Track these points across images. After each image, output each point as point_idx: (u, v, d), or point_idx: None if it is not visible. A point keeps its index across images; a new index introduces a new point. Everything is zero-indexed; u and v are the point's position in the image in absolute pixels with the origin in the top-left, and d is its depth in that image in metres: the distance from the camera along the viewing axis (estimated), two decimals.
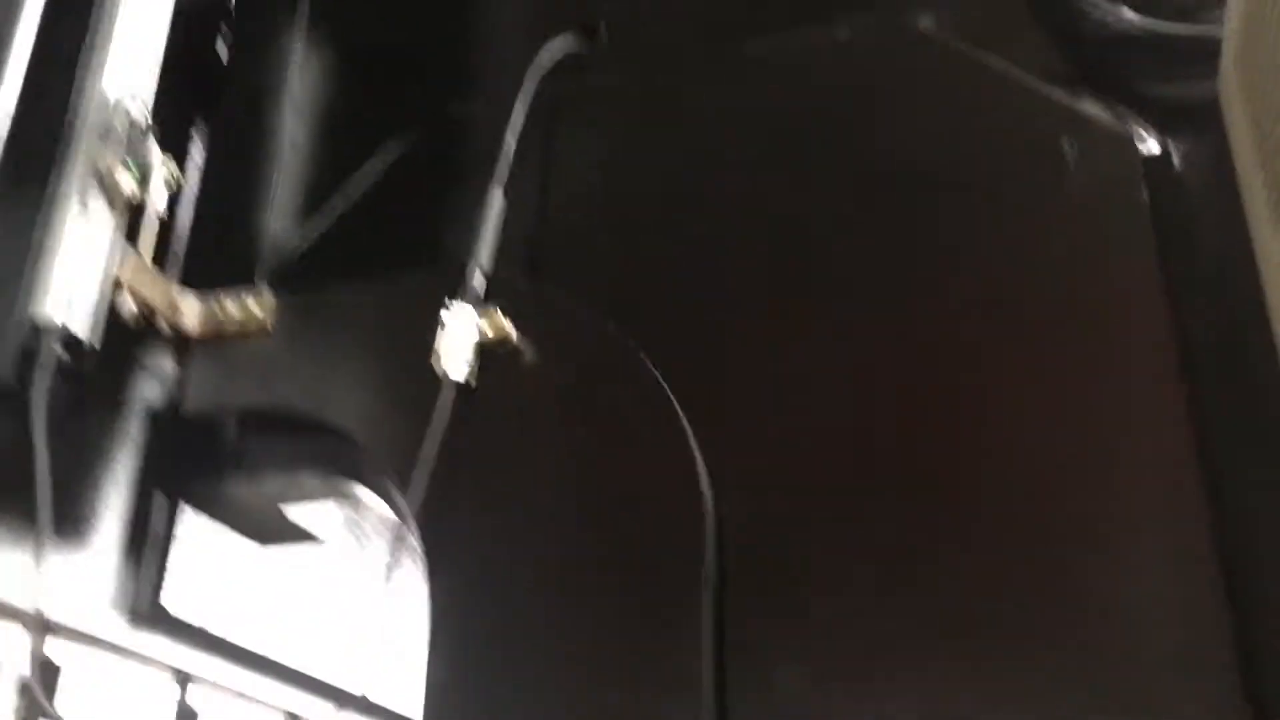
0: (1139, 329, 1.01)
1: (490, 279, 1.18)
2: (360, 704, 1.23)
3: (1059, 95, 1.10)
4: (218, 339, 1.26)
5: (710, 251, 1.17)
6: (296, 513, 1.36)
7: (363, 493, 1.25)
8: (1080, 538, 0.95)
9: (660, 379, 1.10)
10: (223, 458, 1.26)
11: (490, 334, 1.15)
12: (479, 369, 1.14)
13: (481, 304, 1.16)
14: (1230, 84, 0.99)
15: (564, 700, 1.03)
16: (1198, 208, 1.02)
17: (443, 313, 1.15)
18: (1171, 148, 1.05)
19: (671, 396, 1.09)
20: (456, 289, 1.17)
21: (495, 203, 1.22)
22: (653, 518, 1.08)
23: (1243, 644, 0.86)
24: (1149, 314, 1.00)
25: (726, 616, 0.99)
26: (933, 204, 1.11)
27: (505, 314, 1.16)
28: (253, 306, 1.26)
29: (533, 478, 1.13)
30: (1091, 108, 1.10)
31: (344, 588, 1.65)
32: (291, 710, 1.48)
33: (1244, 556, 0.90)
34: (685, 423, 1.08)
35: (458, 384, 1.13)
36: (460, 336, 1.14)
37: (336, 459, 1.23)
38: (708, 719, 0.95)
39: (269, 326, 1.25)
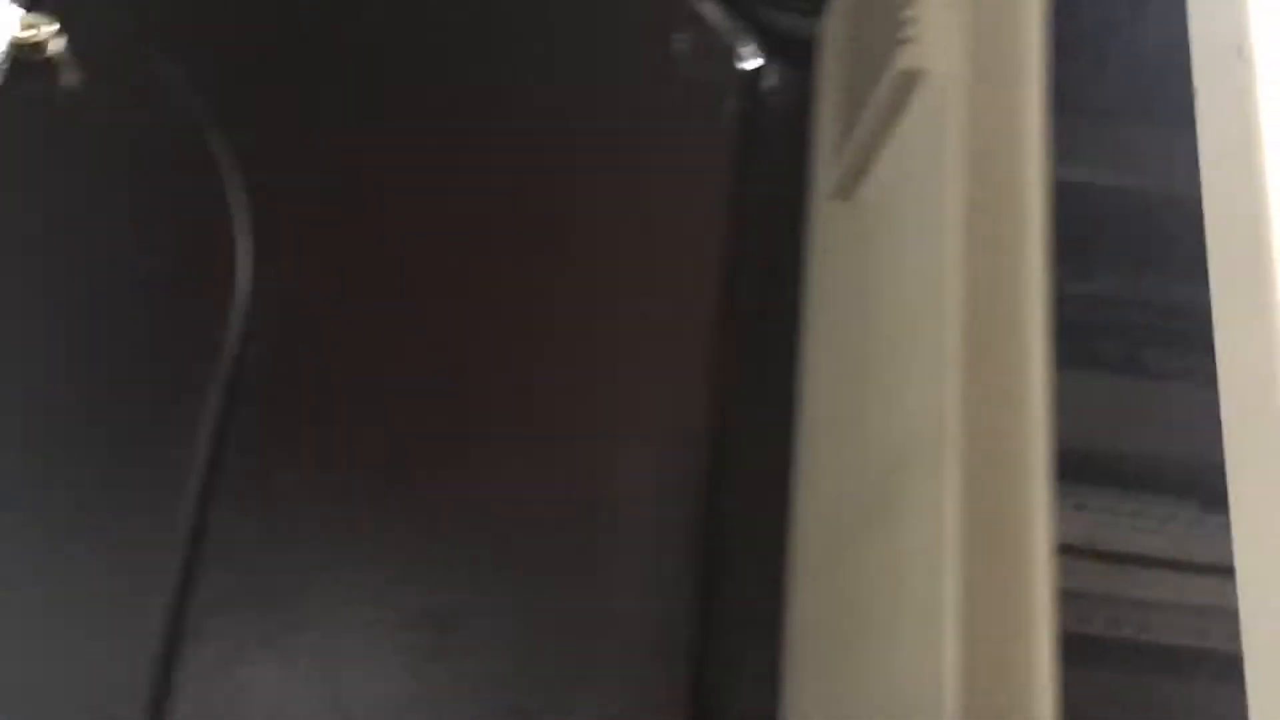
0: (693, 235, 1.07)
1: None
2: None
3: None
4: None
5: (312, 50, 1.08)
6: None
7: None
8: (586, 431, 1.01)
9: (216, 157, 1.00)
10: None
11: (27, 35, 0.99)
12: (10, 73, 0.99)
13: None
14: (828, 34, 1.06)
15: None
16: (778, 133, 1.09)
17: None
18: (770, 71, 1.12)
19: (223, 177, 1.01)
20: None
21: None
22: (172, 300, 1.00)
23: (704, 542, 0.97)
24: (707, 222, 1.07)
25: (234, 420, 0.95)
26: (540, 61, 1.10)
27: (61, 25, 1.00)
28: None
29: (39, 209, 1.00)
30: (708, 9, 1.13)
31: None
32: None
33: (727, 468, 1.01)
34: (231, 208, 1.01)
35: None
36: None
37: None
38: (185, 525, 0.91)
39: None
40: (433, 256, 1.06)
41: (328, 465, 0.98)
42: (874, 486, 0.79)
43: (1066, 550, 0.91)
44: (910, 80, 0.76)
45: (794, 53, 1.13)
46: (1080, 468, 0.91)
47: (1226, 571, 0.94)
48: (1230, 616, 0.93)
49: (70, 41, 1.01)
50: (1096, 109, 1.06)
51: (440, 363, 1.02)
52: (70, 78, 1.02)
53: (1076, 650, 0.91)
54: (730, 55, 1.13)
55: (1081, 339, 1.01)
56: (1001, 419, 0.69)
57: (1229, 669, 0.94)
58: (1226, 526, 0.95)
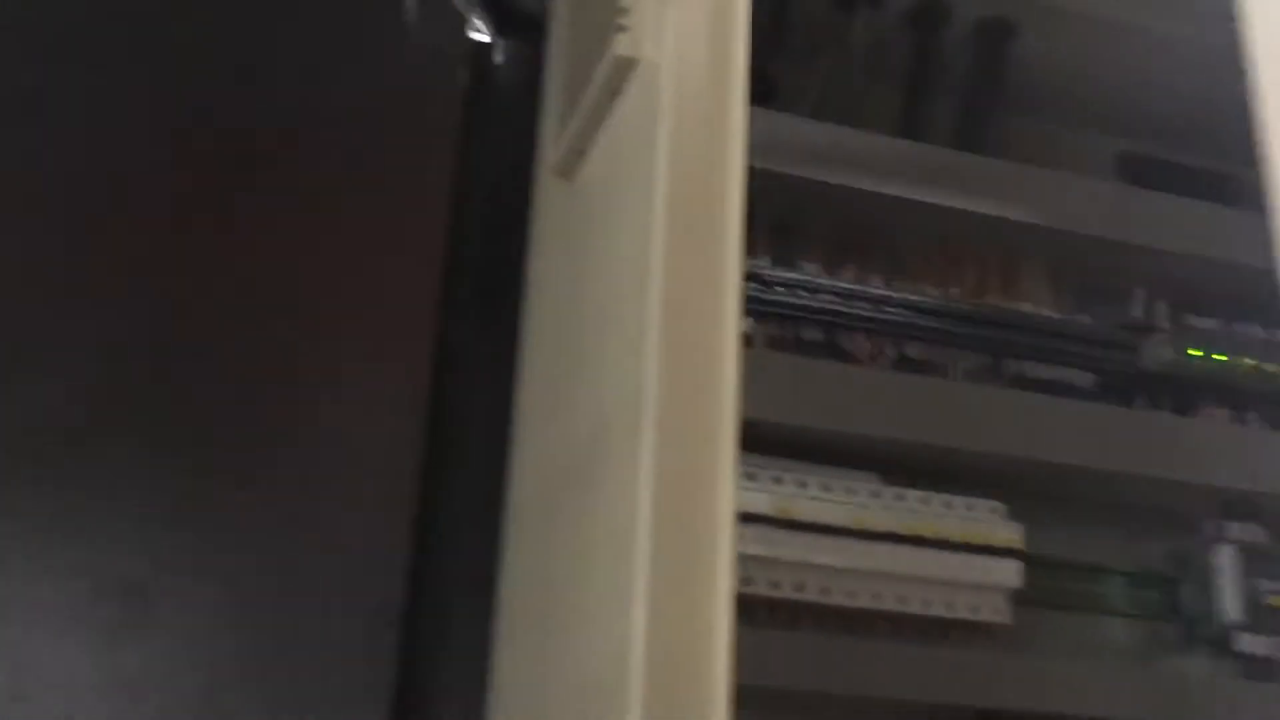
0: (420, 201, 1.08)
1: None
2: None
3: None
4: None
5: None
6: None
7: None
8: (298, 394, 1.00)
9: None
10: None
11: None
12: None
13: None
14: (557, 13, 1.08)
15: None
16: (509, 108, 1.10)
17: None
18: (502, 46, 1.13)
19: None
20: None
21: None
22: None
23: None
24: (434, 188, 1.07)
25: None
26: (267, 24, 1.07)
27: None
28: None
29: None
30: None
31: None
32: None
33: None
34: None
35: None
36: None
37: None
38: None
39: None
40: (139, 203, 1.02)
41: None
42: (576, 459, 0.82)
43: (758, 519, 0.97)
44: (624, 67, 0.79)
45: (527, 30, 1.14)
46: (773, 443, 0.97)
47: (900, 539, 1.03)
48: (901, 581, 1.01)
49: None
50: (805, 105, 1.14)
51: (138, 330, 0.98)
52: None
53: (762, 612, 0.98)
54: (462, 25, 1.13)
55: (784, 321, 1.08)
56: (696, 396, 0.73)
57: (901, 628, 1.03)
58: (903, 498, 1.04)
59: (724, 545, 0.71)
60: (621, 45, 0.79)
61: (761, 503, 0.98)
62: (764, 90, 1.22)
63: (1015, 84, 1.24)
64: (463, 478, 1.06)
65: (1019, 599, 1.10)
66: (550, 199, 1.03)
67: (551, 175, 1.01)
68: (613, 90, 0.82)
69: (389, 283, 1.07)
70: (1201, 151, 1.37)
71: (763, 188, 1.06)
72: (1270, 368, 1.15)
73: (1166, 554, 1.16)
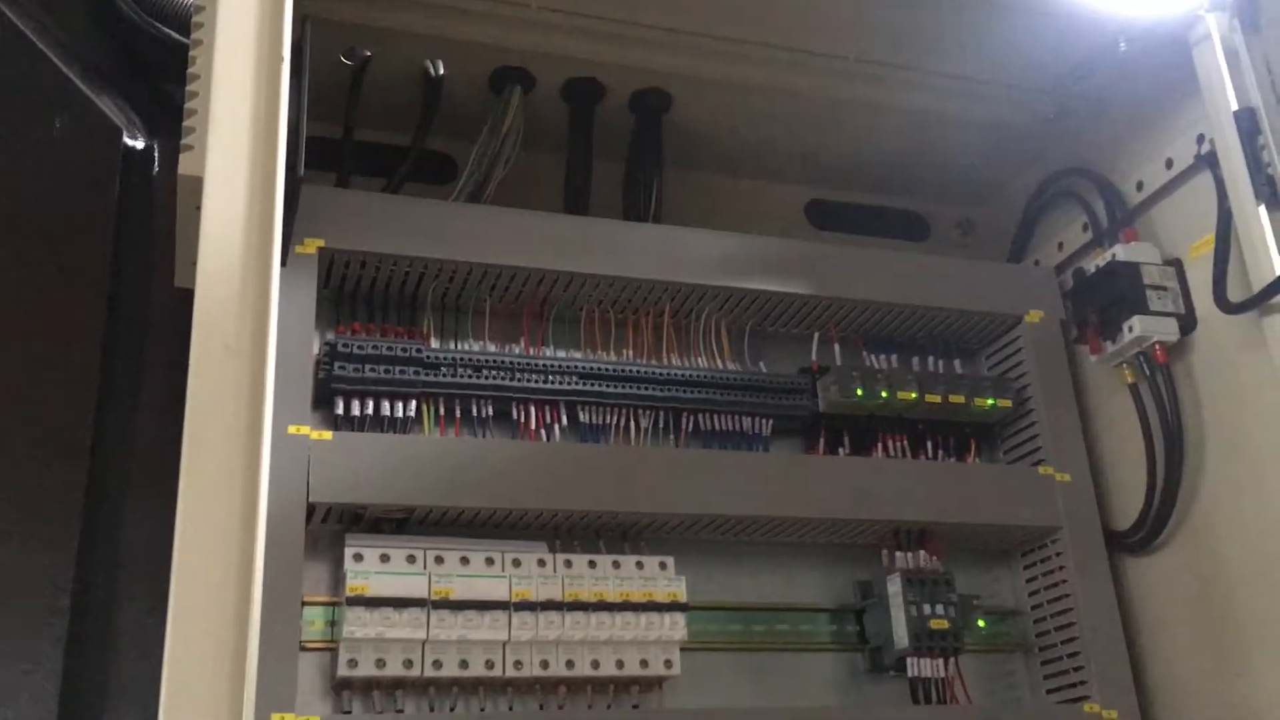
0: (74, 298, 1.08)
1: None
2: None
3: (73, 73, 1.13)
4: None
5: None
6: None
7: None
8: None
9: None
10: None
11: None
12: None
13: None
14: None
15: None
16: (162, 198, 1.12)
17: None
18: (157, 145, 1.14)
19: None
20: None
21: None
22: None
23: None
24: (89, 282, 1.08)
25: None
26: None
27: None
28: None
29: None
30: (96, 94, 1.14)
31: None
32: None
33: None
34: None
35: None
36: None
37: None
38: None
39: None
40: None
41: None
42: None
43: (416, 604, 0.99)
44: (193, 185, 0.81)
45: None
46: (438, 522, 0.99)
47: (563, 607, 1.04)
48: (568, 646, 1.03)
49: None
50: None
51: None
52: None
53: (433, 690, 1.00)
54: (117, 135, 1.14)
55: (453, 399, 1.11)
56: None
57: (577, 690, 1.05)
58: (570, 564, 1.06)
59: None
60: (185, 164, 0.81)
61: (419, 586, 1.00)
62: (443, 170, 1.27)
63: (697, 144, 1.30)
64: None
65: (722, 644, 1.15)
66: None
67: None
68: (196, 205, 0.84)
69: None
70: (888, 192, 1.45)
71: (430, 271, 1.10)
72: (933, 397, 1.21)
73: (855, 586, 1.21)
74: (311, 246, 1.06)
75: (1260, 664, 1.07)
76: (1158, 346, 1.15)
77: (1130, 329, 1.15)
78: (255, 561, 0.84)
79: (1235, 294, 1.09)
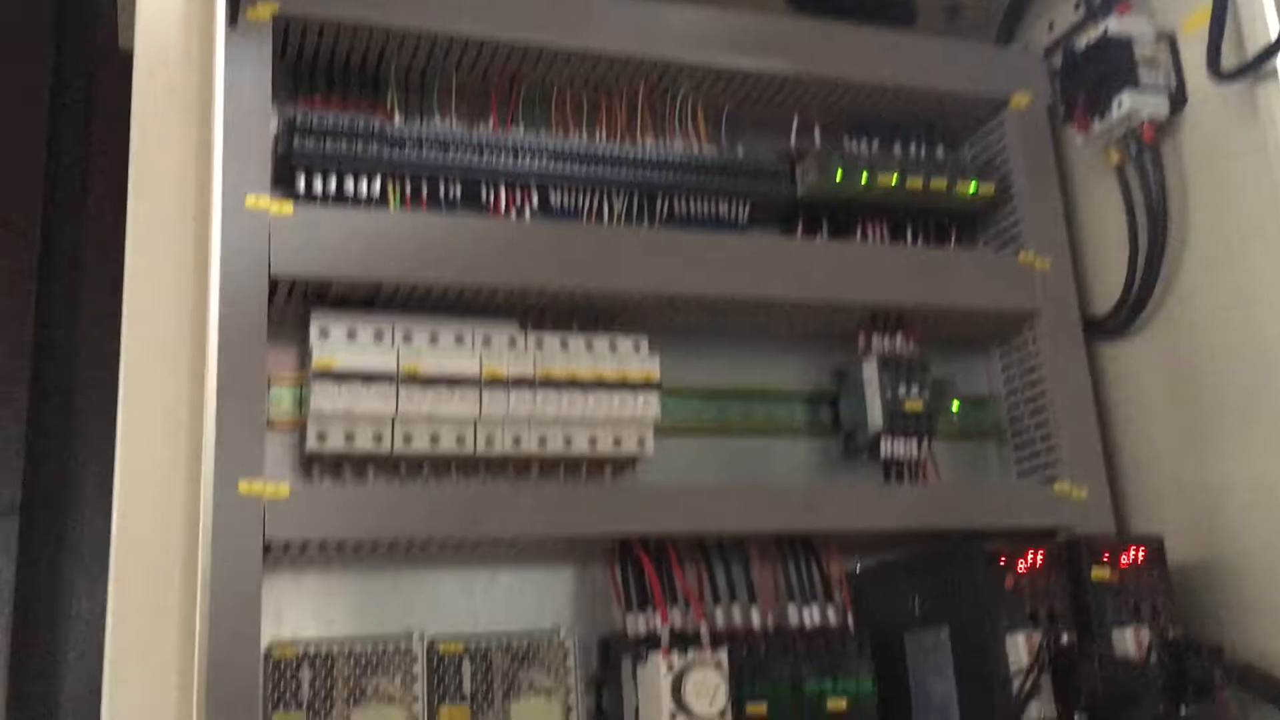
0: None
1: None
2: None
3: None
4: None
5: None
6: None
7: None
8: None
9: None
10: None
11: None
12: None
13: None
14: None
15: None
16: None
17: None
18: None
19: None
20: None
21: None
22: None
23: None
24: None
25: None
26: None
27: None
28: None
29: None
30: None
31: None
32: None
33: None
34: None
35: None
36: None
37: None
38: None
39: None
40: None
41: None
42: None
43: (383, 378, 0.98)
44: None
45: None
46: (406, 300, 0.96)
47: (534, 384, 1.04)
48: (540, 424, 1.03)
49: None
50: None
51: None
52: None
53: (403, 467, 0.99)
54: None
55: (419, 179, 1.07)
56: None
57: (551, 469, 1.05)
58: (541, 343, 1.04)
59: None
60: None
61: (387, 361, 0.98)
62: None
63: None
64: None
65: (696, 429, 1.15)
66: None
67: None
68: None
69: None
70: None
71: (393, 42, 1.05)
72: (914, 183, 1.18)
73: (831, 372, 1.20)
74: (265, 11, 1.00)
75: (1230, 445, 1.07)
76: (1147, 124, 1.11)
77: (1120, 104, 1.11)
78: (209, 324, 0.82)
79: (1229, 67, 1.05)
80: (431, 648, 0.98)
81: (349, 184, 1.03)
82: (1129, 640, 0.95)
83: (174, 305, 0.88)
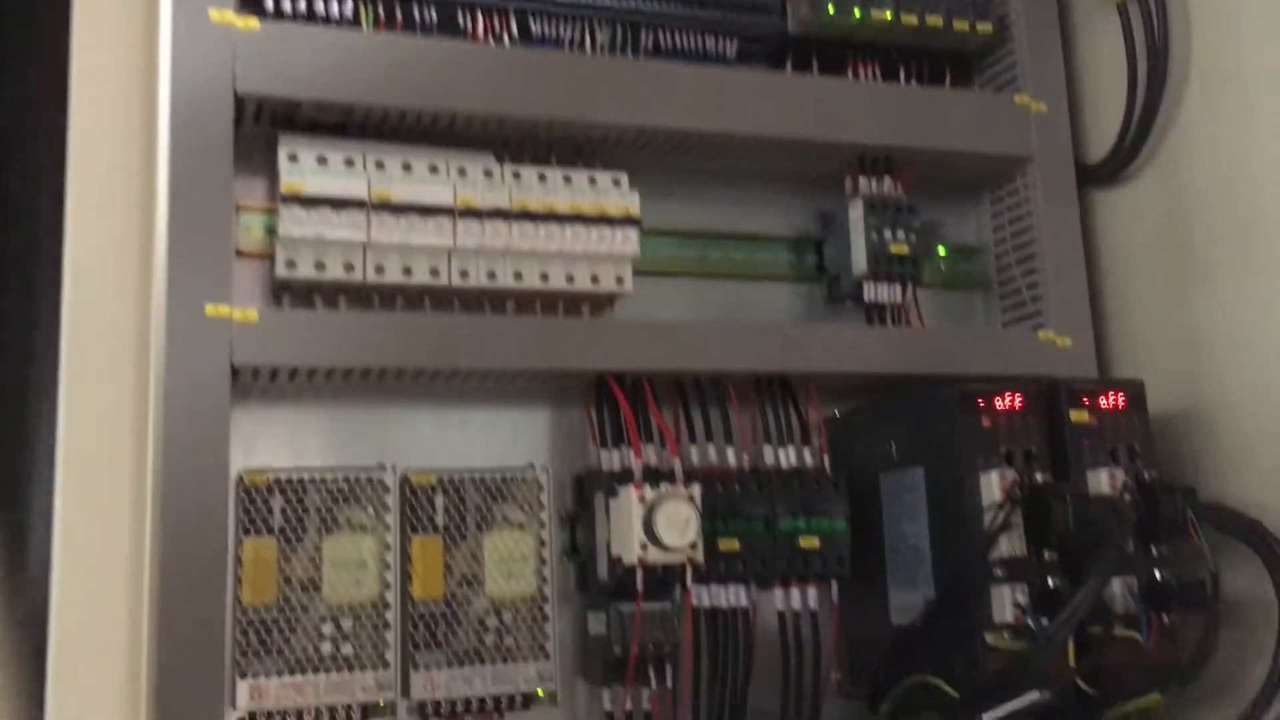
0: None
1: None
2: None
3: None
4: None
5: None
6: None
7: None
8: None
9: None
10: None
11: None
12: None
13: None
14: None
15: None
16: None
17: None
18: None
19: None
20: None
21: None
22: None
23: None
24: None
25: None
26: None
27: None
28: None
29: None
30: None
31: None
32: None
33: None
34: None
35: None
36: None
37: None
38: None
39: None
40: None
41: None
42: None
43: (352, 204, 0.95)
44: None
45: None
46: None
47: (511, 216, 1.01)
48: (518, 257, 1.00)
49: None
50: None
51: None
52: None
53: (375, 298, 0.97)
54: None
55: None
56: None
57: (526, 304, 1.03)
58: (519, 175, 1.01)
59: None
60: None
61: (358, 188, 0.95)
62: None
63: None
64: None
65: (676, 270, 1.13)
66: None
67: None
68: None
69: None
70: None
71: None
72: (909, 19, 1.13)
73: (817, 216, 1.18)
74: None
75: (1218, 295, 1.05)
76: None
77: None
78: (159, 139, 0.79)
79: None
80: (405, 480, 0.98)
81: (319, 2, 0.99)
82: (1104, 482, 0.94)
83: (123, 121, 0.85)
